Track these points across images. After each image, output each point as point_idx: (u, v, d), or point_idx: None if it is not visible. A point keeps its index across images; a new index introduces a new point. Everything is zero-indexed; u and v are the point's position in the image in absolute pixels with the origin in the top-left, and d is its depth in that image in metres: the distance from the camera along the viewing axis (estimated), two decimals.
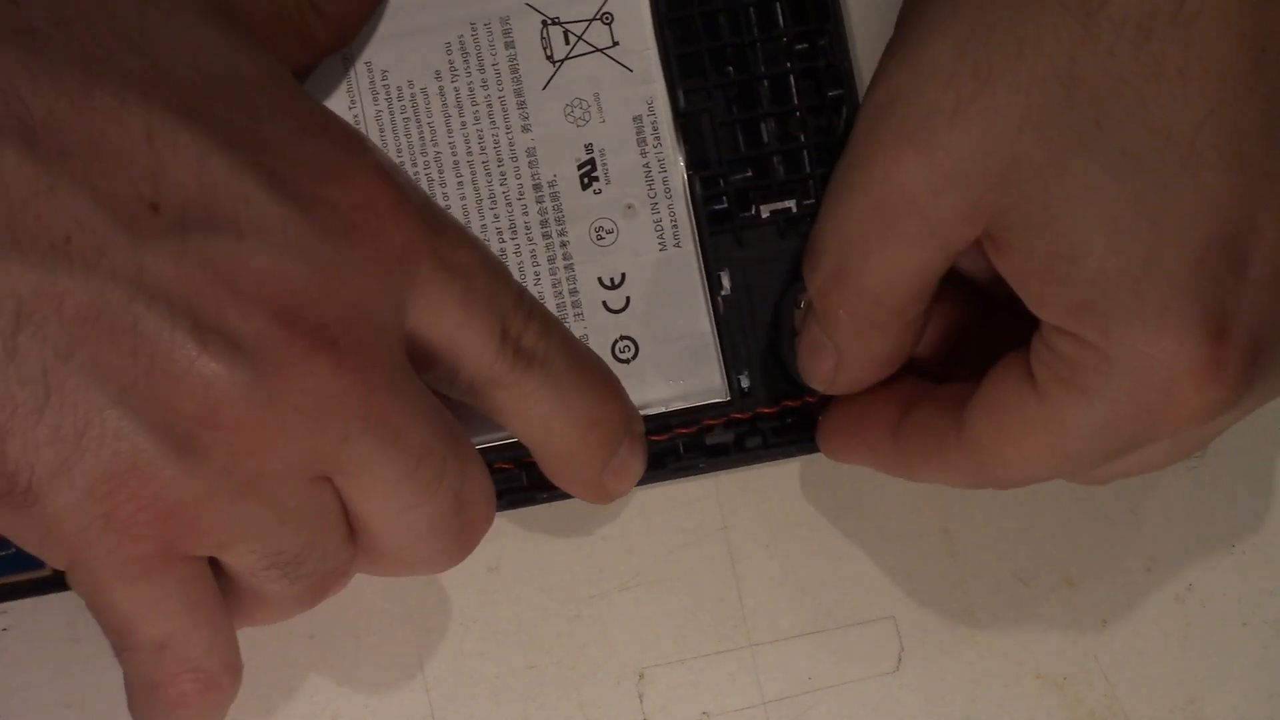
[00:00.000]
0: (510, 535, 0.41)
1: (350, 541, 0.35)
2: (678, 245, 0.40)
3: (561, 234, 0.40)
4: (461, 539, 0.35)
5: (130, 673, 0.34)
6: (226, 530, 0.32)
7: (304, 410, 0.32)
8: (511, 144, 0.39)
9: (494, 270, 0.35)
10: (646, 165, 0.40)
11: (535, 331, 0.36)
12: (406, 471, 0.33)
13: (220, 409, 0.31)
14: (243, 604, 0.35)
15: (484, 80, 0.40)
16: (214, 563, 0.34)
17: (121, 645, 0.33)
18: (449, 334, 0.34)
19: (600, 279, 0.40)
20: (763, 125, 0.39)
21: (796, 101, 0.39)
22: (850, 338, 0.37)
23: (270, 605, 0.35)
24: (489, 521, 0.36)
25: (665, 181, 0.40)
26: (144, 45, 0.32)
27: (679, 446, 0.40)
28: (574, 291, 0.40)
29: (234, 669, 0.34)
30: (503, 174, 0.39)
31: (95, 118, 0.31)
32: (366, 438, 0.33)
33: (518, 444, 0.38)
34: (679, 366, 0.40)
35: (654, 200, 0.40)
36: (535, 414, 0.36)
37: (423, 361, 0.35)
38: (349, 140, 0.34)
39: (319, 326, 0.32)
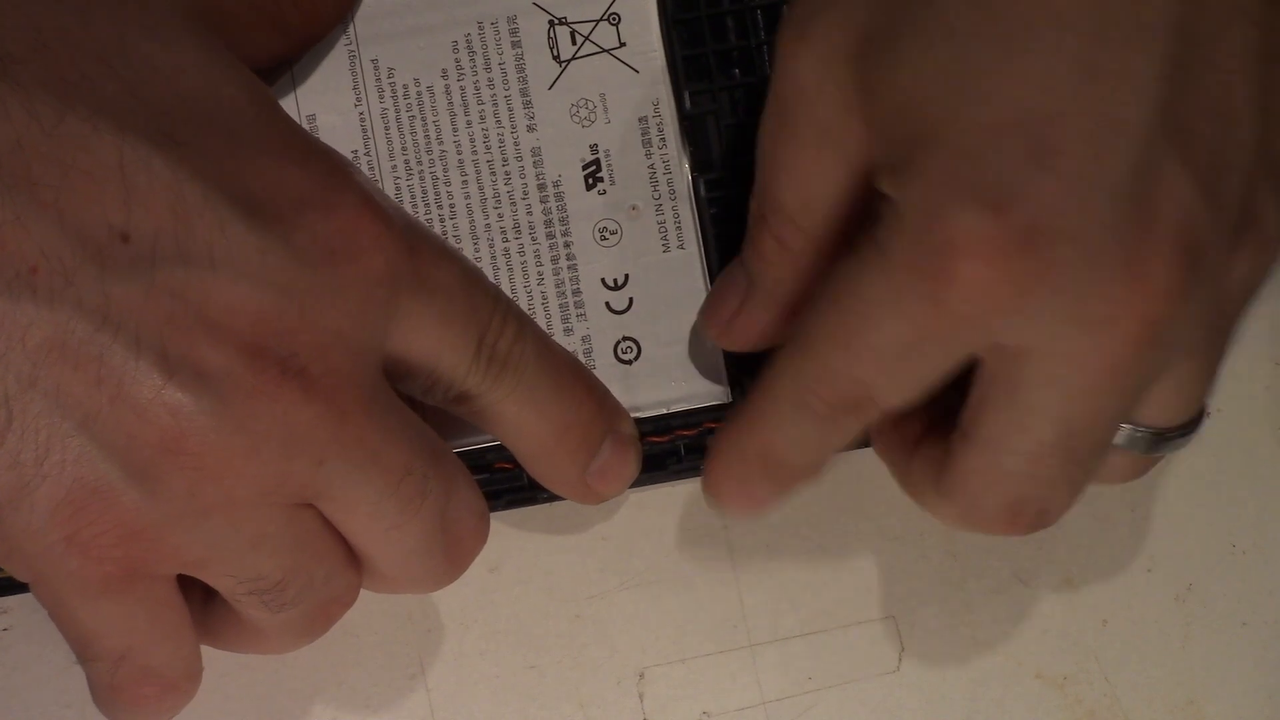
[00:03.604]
0: (510, 535, 0.42)
1: (348, 569, 0.36)
2: (681, 247, 0.41)
3: (565, 234, 0.41)
4: (452, 557, 0.37)
5: (92, 678, 0.36)
6: (191, 552, 0.34)
7: (273, 438, 0.33)
8: (517, 143, 0.41)
9: (473, 282, 0.37)
10: (651, 167, 0.41)
11: (510, 336, 0.37)
12: (387, 492, 0.35)
13: (185, 437, 0.32)
14: (244, 630, 0.37)
15: (490, 79, 0.41)
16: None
17: (83, 656, 0.35)
18: (427, 350, 0.36)
19: (603, 280, 0.41)
20: None
21: None
22: (767, 264, 0.38)
23: (268, 634, 0.37)
24: (481, 538, 0.38)
25: (670, 183, 0.41)
26: (121, 67, 0.33)
27: (680, 448, 0.41)
28: (577, 292, 0.41)
29: (193, 675, 0.36)
30: (507, 173, 0.41)
31: (67, 145, 0.32)
32: (343, 461, 0.34)
33: None
34: (681, 368, 0.41)
35: (658, 202, 0.41)
36: (509, 418, 0.38)
37: (400, 376, 0.36)
38: (331, 164, 0.35)
39: (289, 356, 0.33)
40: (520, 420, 0.38)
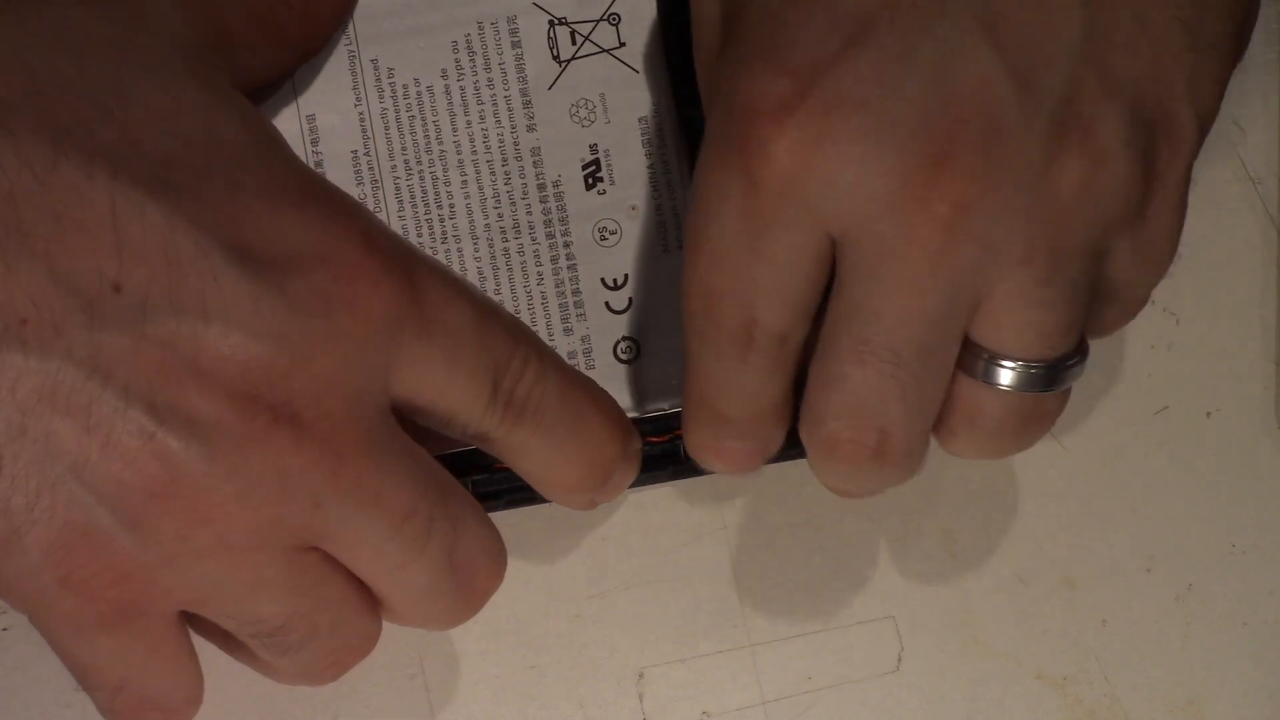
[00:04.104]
0: (510, 535, 0.41)
1: (361, 617, 0.36)
2: (681, 247, 0.41)
3: (565, 234, 0.42)
4: (464, 597, 0.37)
5: (94, 703, 0.36)
6: (186, 594, 0.34)
7: (265, 483, 0.33)
8: (516, 143, 0.42)
9: (485, 323, 0.36)
10: (651, 167, 0.42)
11: (529, 380, 0.37)
12: (390, 533, 0.35)
13: (174, 483, 0.33)
14: (260, 663, 0.37)
15: (490, 79, 0.42)
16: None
17: (83, 686, 0.36)
18: (437, 393, 0.36)
19: (603, 279, 0.42)
20: None
21: None
22: None
23: (279, 672, 0.37)
24: (495, 576, 0.37)
25: (669, 183, 0.42)
26: (118, 112, 0.33)
27: (680, 449, 0.41)
28: (576, 292, 0.42)
29: (193, 700, 0.37)
30: (507, 173, 0.42)
31: (59, 194, 0.32)
32: (342, 504, 0.34)
33: None
34: (681, 368, 0.40)
35: (658, 201, 0.42)
36: (531, 459, 0.38)
37: (413, 414, 0.36)
38: (331, 207, 0.35)
39: (281, 403, 0.33)
40: (542, 461, 0.38)
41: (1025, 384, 0.36)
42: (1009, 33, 0.33)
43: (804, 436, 0.37)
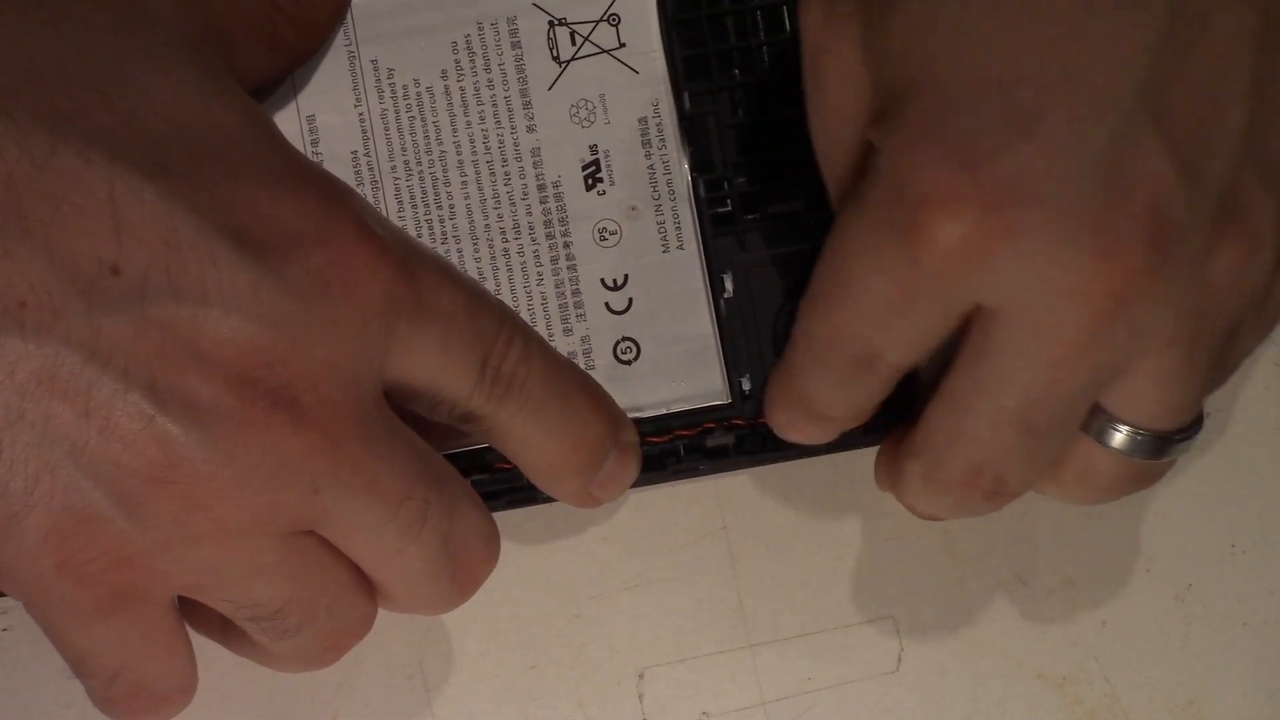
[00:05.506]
0: (510, 535, 0.42)
1: (358, 602, 0.37)
2: (681, 247, 0.42)
3: (565, 235, 0.42)
4: (459, 581, 0.37)
5: (87, 691, 0.36)
6: (183, 579, 0.34)
7: (265, 468, 0.33)
8: (516, 144, 0.42)
9: (476, 305, 0.37)
10: (651, 167, 0.42)
11: (515, 357, 0.37)
12: (386, 518, 0.35)
13: (173, 467, 0.33)
14: (256, 649, 0.37)
15: (490, 80, 0.42)
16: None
17: (77, 672, 0.36)
18: (429, 375, 0.36)
19: (603, 280, 0.42)
20: (768, 129, 0.41)
21: (802, 105, 0.41)
22: None
23: (276, 657, 0.37)
24: (489, 561, 0.38)
25: (669, 184, 0.42)
26: (117, 97, 0.33)
27: (680, 448, 0.42)
28: (576, 292, 0.42)
29: (187, 688, 0.37)
30: (507, 174, 0.42)
31: (58, 179, 0.32)
32: (339, 488, 0.34)
33: None
34: (681, 369, 0.42)
35: (658, 202, 0.42)
36: (517, 437, 0.38)
37: (404, 397, 0.36)
38: (328, 193, 0.35)
39: (280, 387, 0.33)
40: (528, 439, 0.38)
41: (1142, 450, 0.37)
42: (1177, 125, 0.34)
43: (915, 470, 0.38)
